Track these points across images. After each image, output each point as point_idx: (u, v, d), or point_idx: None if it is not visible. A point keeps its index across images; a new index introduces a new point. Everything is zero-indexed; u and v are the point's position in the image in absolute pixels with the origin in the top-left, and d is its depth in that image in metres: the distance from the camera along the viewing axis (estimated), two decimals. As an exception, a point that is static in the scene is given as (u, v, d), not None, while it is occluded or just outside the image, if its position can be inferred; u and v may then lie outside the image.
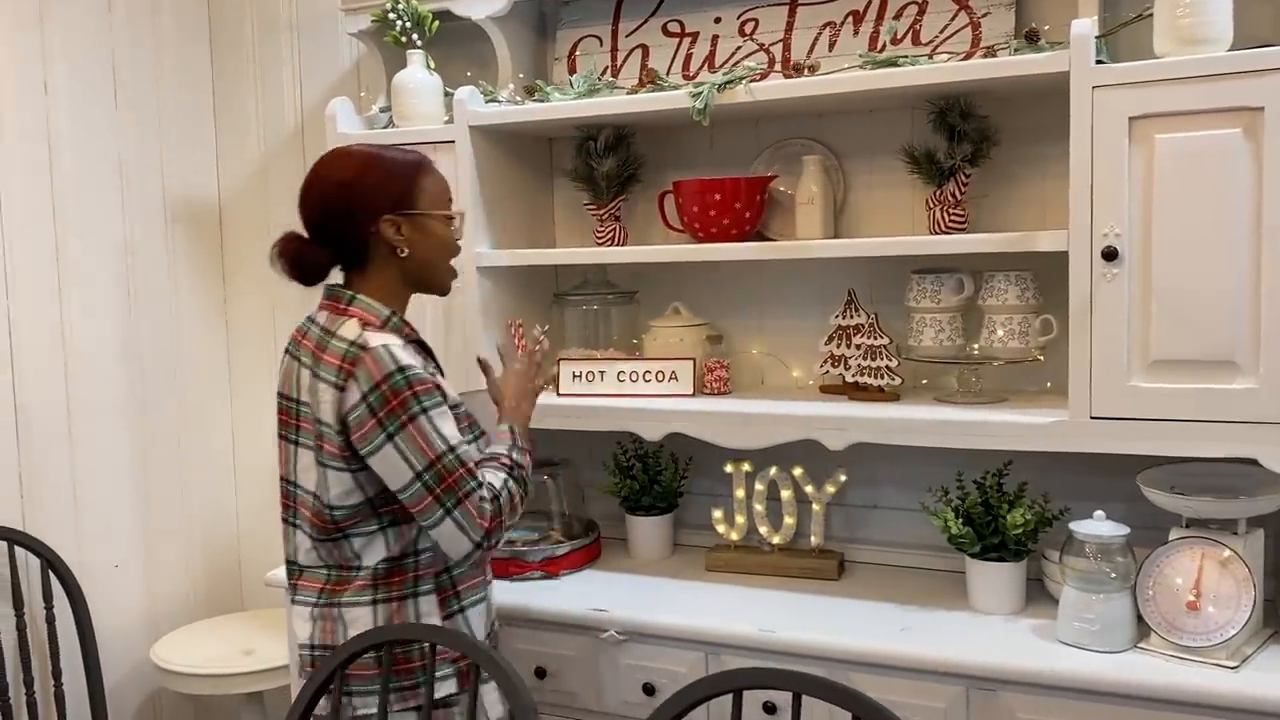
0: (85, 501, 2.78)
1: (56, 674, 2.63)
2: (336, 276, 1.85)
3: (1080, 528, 1.94)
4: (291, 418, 1.81)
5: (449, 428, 1.72)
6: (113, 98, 2.85)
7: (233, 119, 3.09)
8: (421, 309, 2.49)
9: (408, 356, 1.70)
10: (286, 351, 1.85)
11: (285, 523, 1.86)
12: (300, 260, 1.79)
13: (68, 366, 2.74)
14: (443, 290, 1.90)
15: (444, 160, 2.41)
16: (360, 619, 1.77)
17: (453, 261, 1.89)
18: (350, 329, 1.74)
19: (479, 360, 2.11)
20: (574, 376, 2.44)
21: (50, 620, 2.62)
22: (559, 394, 2.44)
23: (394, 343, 1.71)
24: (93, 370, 2.80)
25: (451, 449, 1.70)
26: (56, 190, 2.71)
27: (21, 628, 2.59)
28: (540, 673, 2.25)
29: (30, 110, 2.65)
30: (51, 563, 2.61)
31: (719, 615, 2.15)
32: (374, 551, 1.77)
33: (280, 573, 2.22)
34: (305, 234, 1.80)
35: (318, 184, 1.79)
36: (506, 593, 2.33)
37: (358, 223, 1.76)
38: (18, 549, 2.59)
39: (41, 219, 2.69)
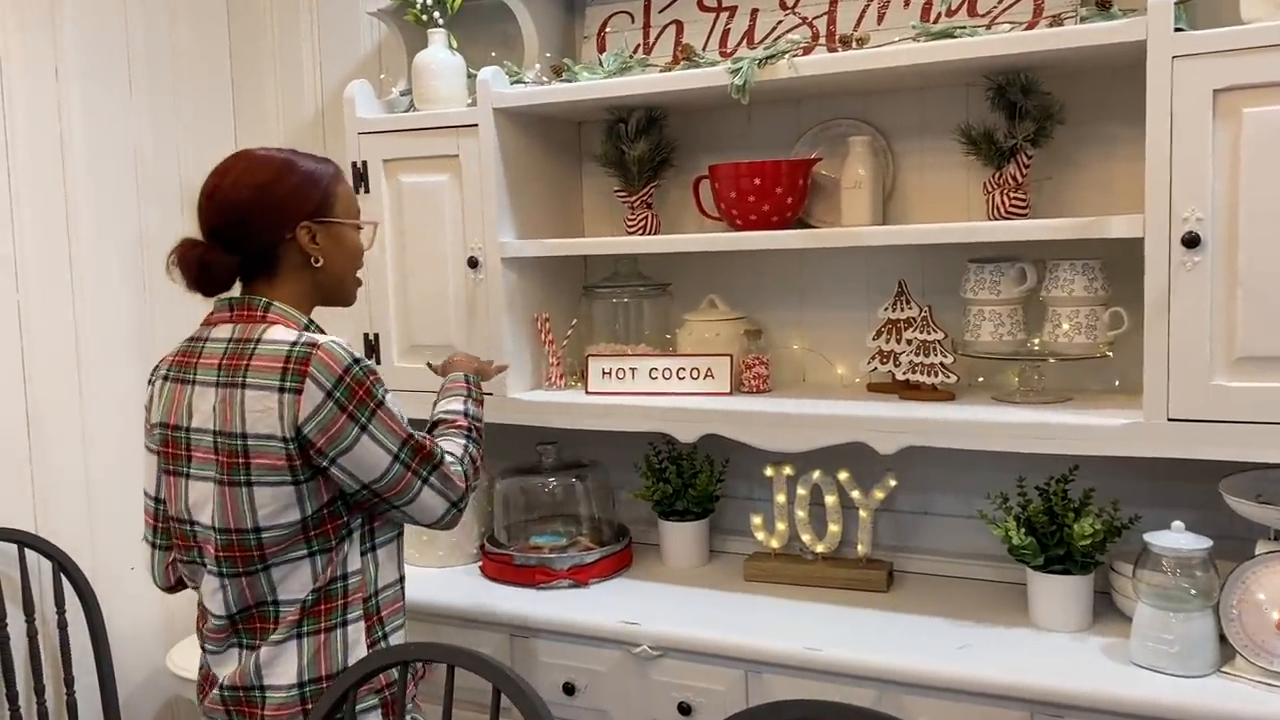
0: (99, 502, 2.68)
1: (69, 681, 2.54)
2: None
3: (1156, 540, 1.78)
4: (181, 448, 1.66)
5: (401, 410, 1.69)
6: (127, 83, 2.74)
7: (251, 105, 2.98)
8: (443, 302, 2.37)
9: (356, 350, 1.65)
10: (164, 378, 1.71)
11: (192, 564, 1.71)
12: (206, 269, 1.65)
13: (80, 362, 2.64)
14: (347, 302, 1.80)
15: (467, 145, 2.29)
16: (279, 657, 1.64)
17: (359, 273, 1.81)
18: (281, 332, 1.63)
19: (428, 364, 2.13)
20: (603, 374, 2.30)
21: (62, 626, 2.52)
22: (587, 392, 2.30)
23: (338, 339, 1.64)
24: (106, 366, 2.69)
25: (414, 428, 1.68)
26: (69, 180, 2.61)
27: (33, 634, 2.49)
28: (569, 689, 2.12)
29: (41, 96, 2.55)
30: (64, 566, 2.51)
31: (759, 630, 2.00)
32: (295, 583, 1.63)
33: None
34: (207, 240, 1.67)
35: (228, 187, 1.65)
36: (532, 602, 2.21)
37: (272, 229, 1.65)
38: (29, 552, 2.49)
39: (53, 210, 2.58)
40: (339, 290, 1.76)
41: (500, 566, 2.34)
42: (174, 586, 1.81)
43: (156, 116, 2.81)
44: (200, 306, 1.75)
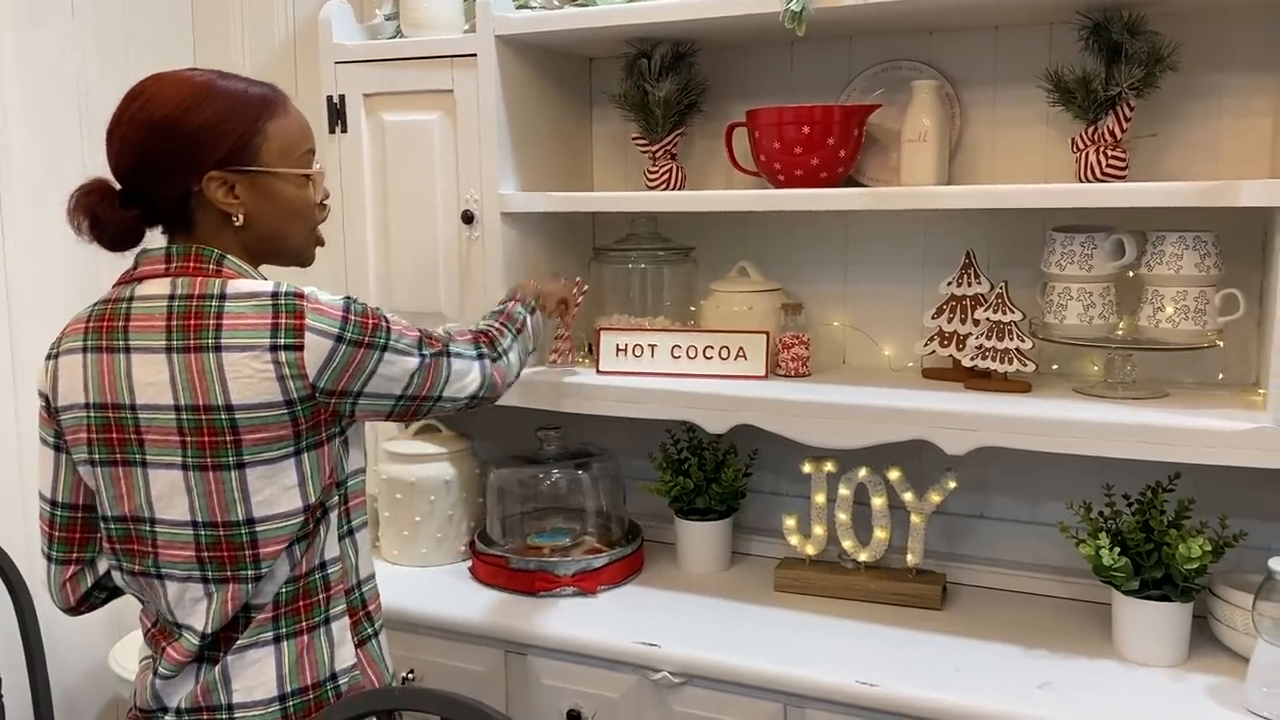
0: (33, 478, 2.35)
1: (-7, 683, 2.23)
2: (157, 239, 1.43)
3: (1285, 568, 1.50)
4: (128, 431, 1.35)
5: None
6: (69, 5, 2.38)
7: (212, 30, 2.63)
8: (432, 263, 2.05)
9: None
10: (82, 349, 1.39)
11: (146, 576, 1.39)
12: (97, 221, 1.36)
13: (13, 326, 2.31)
14: (301, 261, 1.49)
15: (463, 78, 1.96)
16: (249, 667, 1.37)
17: (319, 227, 1.50)
18: (250, 284, 1.35)
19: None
20: (618, 350, 1.99)
21: (-13, 619, 2.21)
22: (599, 371, 1.99)
23: (315, 288, 1.39)
24: (44, 328, 2.34)
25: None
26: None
27: (-50, 629, 2.18)
28: (574, 717, 1.83)
29: (-39, 11, 2.19)
30: (-11, 552, 2.19)
31: (800, 655, 1.71)
32: (273, 576, 1.37)
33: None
34: (107, 187, 1.38)
35: (128, 122, 1.34)
36: (531, 613, 1.91)
37: (173, 178, 1.34)
38: (-53, 537, 2.18)
39: (-23, 147, 2.24)
40: (280, 250, 1.44)
41: (493, 569, 2.04)
42: (77, 606, 1.51)
43: (103, 43, 2.45)
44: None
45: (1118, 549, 1.65)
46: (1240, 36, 1.74)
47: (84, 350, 1.38)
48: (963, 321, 1.86)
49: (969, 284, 1.86)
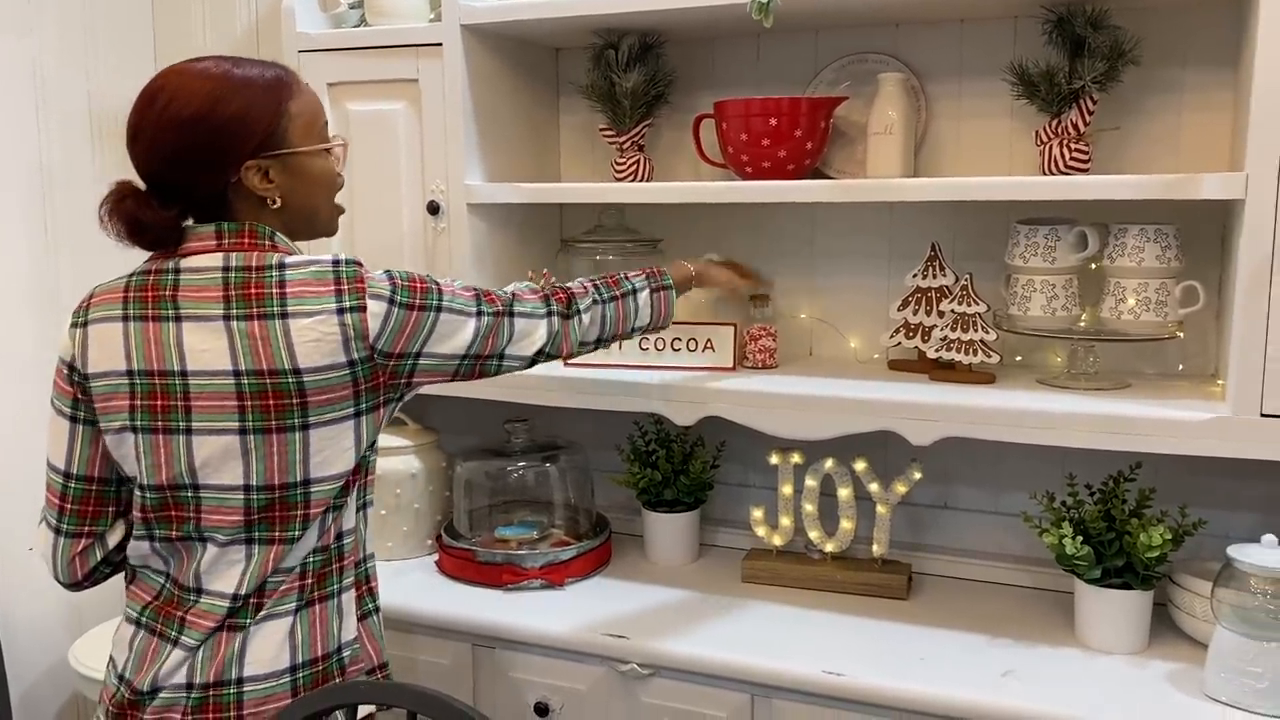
0: (1, 472, 2.31)
1: (-50, 682, 2.19)
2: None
3: (1243, 554, 1.52)
4: (174, 398, 1.35)
5: None
6: (25, -9, 2.33)
7: (173, 19, 2.58)
8: (397, 254, 2.03)
9: None
10: (123, 318, 1.39)
11: (187, 540, 1.39)
12: (138, 225, 1.37)
13: (-34, 313, 2.26)
14: (328, 231, 1.53)
15: (429, 68, 1.95)
16: (267, 639, 1.37)
17: (337, 198, 1.52)
18: (305, 255, 1.40)
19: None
20: (585, 342, 1.98)
21: (-58, 617, 2.18)
22: (566, 363, 1.99)
23: None
24: (4, 322, 2.30)
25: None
26: (-49, 98, 2.21)
27: (-95, 627, 2.14)
28: (541, 710, 1.82)
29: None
30: (-55, 549, 2.16)
31: (767, 645, 1.72)
32: (304, 543, 1.39)
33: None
34: (142, 185, 1.39)
35: (152, 125, 1.35)
36: (499, 606, 1.90)
37: (212, 173, 1.36)
38: (-99, 533, 2.14)
39: (-71, 132, 2.19)
40: (312, 225, 1.48)
41: (460, 563, 2.03)
42: (81, 581, 1.49)
43: (61, 28, 2.40)
44: (123, 253, 1.43)
45: (1080, 538, 1.67)
46: (1201, 32, 1.76)
47: (124, 319, 1.38)
48: (928, 313, 1.87)
49: (934, 276, 1.87)
